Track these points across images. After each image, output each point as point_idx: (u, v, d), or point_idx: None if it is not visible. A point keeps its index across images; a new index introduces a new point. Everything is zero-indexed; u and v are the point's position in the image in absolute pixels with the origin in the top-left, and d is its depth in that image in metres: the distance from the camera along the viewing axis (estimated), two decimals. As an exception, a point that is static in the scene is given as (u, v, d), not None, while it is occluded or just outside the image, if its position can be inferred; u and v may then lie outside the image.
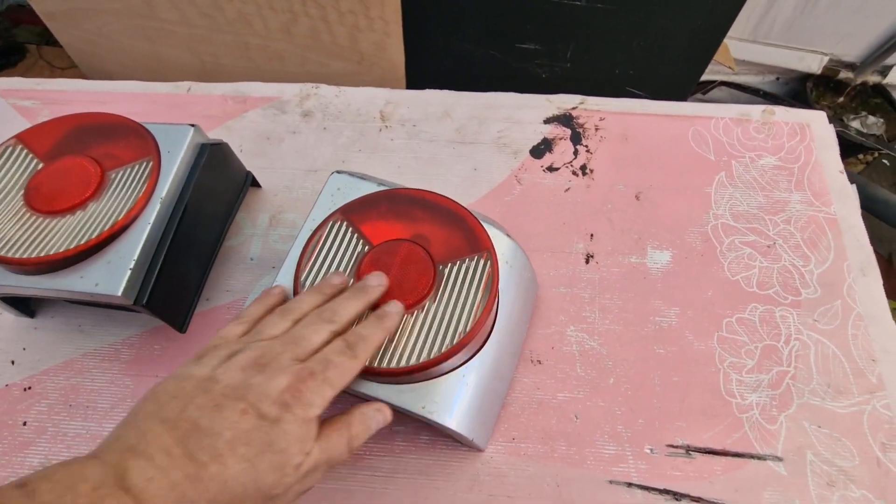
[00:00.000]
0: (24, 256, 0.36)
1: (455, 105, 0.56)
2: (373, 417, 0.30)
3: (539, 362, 0.42)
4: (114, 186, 0.39)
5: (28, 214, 0.38)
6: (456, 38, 1.19)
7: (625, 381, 0.41)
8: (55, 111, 0.57)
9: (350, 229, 0.37)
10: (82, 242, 0.36)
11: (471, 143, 0.53)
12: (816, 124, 0.55)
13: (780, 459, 0.38)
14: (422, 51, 1.20)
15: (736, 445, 0.38)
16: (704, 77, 1.36)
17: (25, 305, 0.44)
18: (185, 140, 0.41)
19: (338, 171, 0.40)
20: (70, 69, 1.48)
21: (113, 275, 0.36)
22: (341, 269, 0.35)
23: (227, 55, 1.27)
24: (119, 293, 0.35)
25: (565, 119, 0.54)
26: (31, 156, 0.40)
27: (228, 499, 0.23)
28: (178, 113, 0.56)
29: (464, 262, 0.35)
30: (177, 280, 0.41)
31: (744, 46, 1.36)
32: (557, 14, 1.10)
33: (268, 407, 0.25)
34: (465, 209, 0.37)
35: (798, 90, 1.41)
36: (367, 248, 0.36)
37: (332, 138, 0.54)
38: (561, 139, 0.53)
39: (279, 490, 0.25)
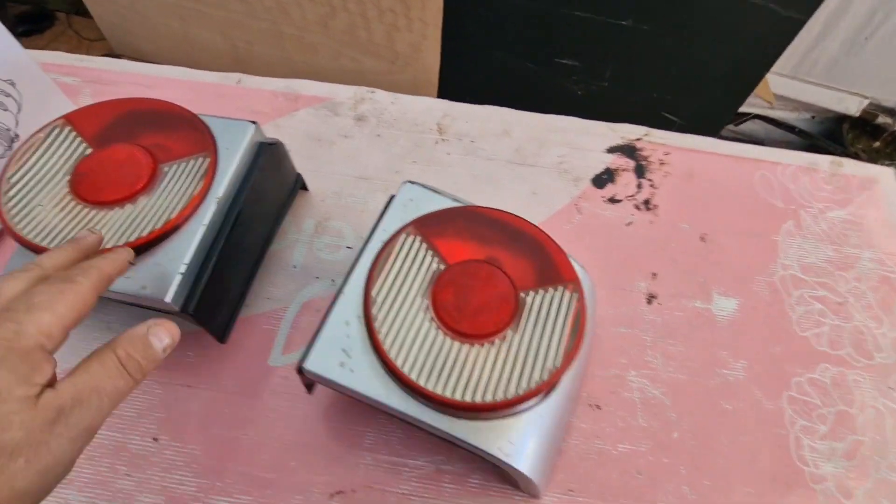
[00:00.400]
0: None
1: (515, 124, 0.53)
2: (148, 333, 0.25)
3: (598, 407, 0.40)
4: (167, 181, 0.36)
5: (73, 203, 0.35)
6: (494, 47, 1.17)
7: (690, 437, 0.39)
8: (96, 91, 0.55)
9: (423, 245, 0.34)
10: (131, 239, 0.33)
11: (531, 165, 0.51)
12: (885, 180, 0.53)
13: (856, 539, 0.35)
14: (457, 56, 1.18)
15: (808, 519, 0.36)
16: (739, 108, 1.35)
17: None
18: (245, 138, 0.39)
19: (410, 182, 0.37)
20: (98, 41, 1.45)
21: (162, 278, 0.33)
22: (415, 286, 0.33)
23: (260, 42, 1.25)
24: (168, 299, 0.33)
25: (629, 150, 0.52)
26: (79, 139, 0.37)
27: None
28: (225, 105, 0.54)
29: (547, 291, 0.33)
30: (223, 287, 0.38)
31: (783, 82, 1.34)
32: (600, 32, 1.08)
33: None
34: (548, 235, 0.35)
35: (833, 130, 1.40)
36: (441, 266, 0.33)
37: (386, 146, 0.52)
38: (624, 170, 0.51)
39: (17, 432, 0.20)
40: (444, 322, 0.31)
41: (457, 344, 0.31)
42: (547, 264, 0.34)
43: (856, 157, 1.31)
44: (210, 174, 0.36)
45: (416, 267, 0.33)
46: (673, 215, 0.49)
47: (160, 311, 0.34)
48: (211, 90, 0.55)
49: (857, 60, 1.18)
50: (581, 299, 0.32)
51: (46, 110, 0.49)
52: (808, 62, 1.27)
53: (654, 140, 0.53)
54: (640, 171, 0.51)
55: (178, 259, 0.34)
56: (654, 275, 0.46)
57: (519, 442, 0.30)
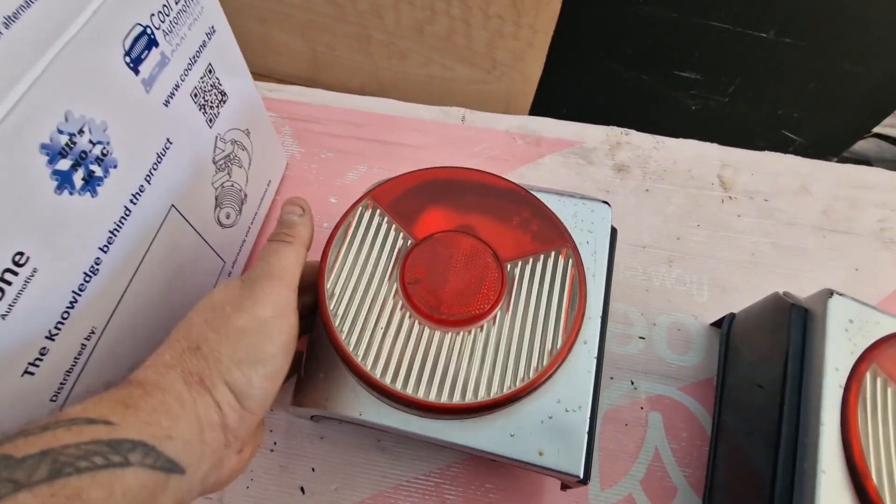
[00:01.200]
0: (427, 398, 0.24)
1: (812, 177, 0.44)
2: (283, 213, 0.28)
3: None
4: (524, 289, 0.27)
5: (413, 321, 0.26)
6: (606, 56, 1.07)
7: None
8: (298, 129, 0.46)
9: (890, 389, 0.25)
10: (514, 387, 0.24)
11: (844, 232, 0.42)
12: None
13: None
14: (561, 65, 1.08)
15: None
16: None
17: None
18: (605, 225, 0.30)
19: (838, 294, 0.28)
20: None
21: (563, 442, 0.24)
22: None
23: (344, 47, 1.16)
24: (580, 473, 0.24)
25: (959, 212, 0.43)
26: (393, 225, 0.29)
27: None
28: (458, 150, 0.45)
29: None
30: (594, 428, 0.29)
31: (917, 99, 1.24)
32: (732, 44, 0.98)
33: None
34: None
35: (960, 151, 1.30)
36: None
37: (659, 205, 0.43)
38: (960, 239, 0.42)
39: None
40: None
41: None
42: None
43: None
44: (581, 279, 0.27)
45: (890, 420, 0.24)
46: None
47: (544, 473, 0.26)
48: (433, 130, 0.46)
49: None
50: None
51: (268, 162, 0.40)
52: (951, 77, 1.17)
53: (985, 201, 0.43)
54: (979, 242, 0.42)
55: (573, 410, 0.25)
56: None
57: None
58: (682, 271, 0.41)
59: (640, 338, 0.38)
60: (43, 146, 0.19)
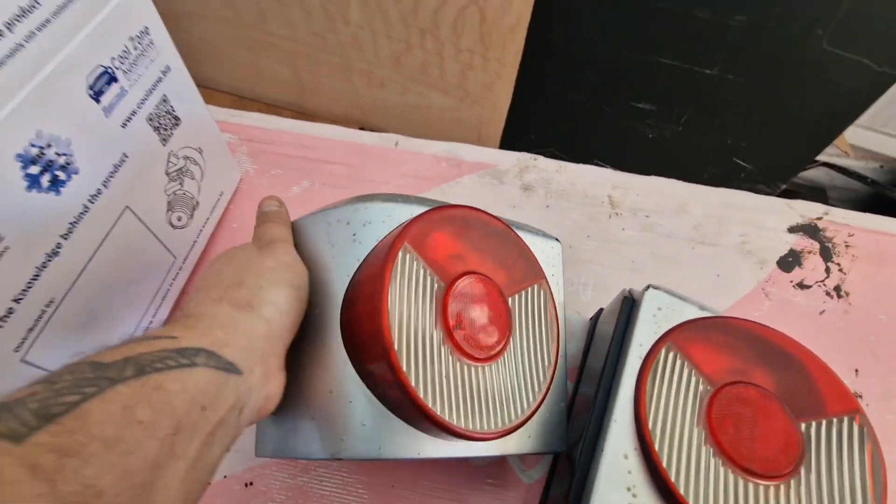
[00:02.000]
0: (493, 428, 0.29)
1: (689, 198, 0.51)
2: (260, 206, 0.36)
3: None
4: (519, 318, 0.32)
5: (462, 364, 0.29)
6: (569, 88, 1.17)
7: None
8: (253, 150, 0.53)
9: (685, 362, 0.32)
10: (540, 396, 0.31)
11: (711, 244, 0.49)
12: None
13: None
14: (529, 95, 1.17)
15: None
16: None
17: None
18: (560, 261, 0.38)
19: (654, 287, 0.35)
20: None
21: (557, 430, 0.34)
22: (687, 411, 0.30)
23: (326, 75, 1.25)
24: (566, 449, 0.34)
25: (811, 230, 0.50)
26: (427, 270, 0.30)
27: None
28: (388, 170, 0.52)
29: (832, 424, 0.30)
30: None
31: (857, 132, 1.34)
32: (682, 79, 1.07)
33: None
34: (812, 353, 0.33)
35: (896, 181, 1.39)
36: (707, 388, 0.31)
37: (558, 219, 0.50)
38: (809, 253, 0.49)
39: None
40: (731, 458, 0.29)
41: (750, 485, 0.28)
42: (824, 393, 0.31)
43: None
44: (555, 311, 0.34)
45: (682, 388, 0.31)
46: (867, 304, 0.47)
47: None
48: (372, 153, 0.53)
49: (944, 115, 1.17)
50: (873, 434, 0.30)
51: (221, 176, 0.47)
52: (886, 113, 1.27)
53: (835, 219, 0.51)
54: (826, 255, 0.49)
55: (559, 404, 0.35)
56: (857, 371, 0.44)
57: None
58: (572, 274, 0.47)
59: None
60: (18, 155, 0.26)
